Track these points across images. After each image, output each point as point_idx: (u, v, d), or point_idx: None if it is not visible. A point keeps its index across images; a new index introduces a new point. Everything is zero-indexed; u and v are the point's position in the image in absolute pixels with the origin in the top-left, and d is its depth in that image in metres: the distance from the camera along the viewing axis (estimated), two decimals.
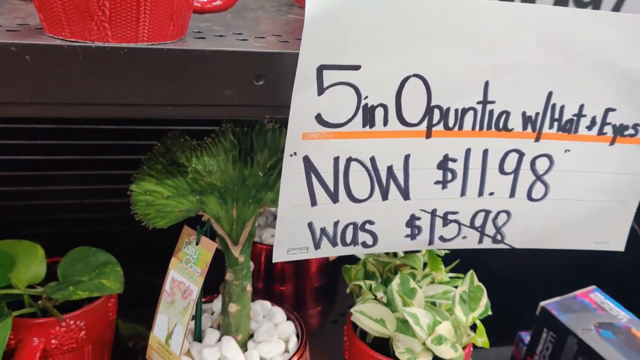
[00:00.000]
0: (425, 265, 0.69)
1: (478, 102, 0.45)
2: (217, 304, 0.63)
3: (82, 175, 0.88)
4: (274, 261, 0.46)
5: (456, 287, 0.62)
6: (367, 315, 0.60)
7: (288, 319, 0.62)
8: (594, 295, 0.92)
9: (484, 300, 0.60)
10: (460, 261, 0.69)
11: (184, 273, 0.54)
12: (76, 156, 0.86)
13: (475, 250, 0.66)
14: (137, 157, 0.76)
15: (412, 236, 0.49)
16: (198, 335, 0.59)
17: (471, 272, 0.61)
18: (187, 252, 0.54)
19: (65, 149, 0.85)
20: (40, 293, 0.64)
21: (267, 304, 0.64)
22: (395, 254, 0.70)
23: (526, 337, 0.94)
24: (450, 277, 0.67)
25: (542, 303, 0.89)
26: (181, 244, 0.55)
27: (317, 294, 0.82)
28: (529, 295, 0.89)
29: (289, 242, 0.46)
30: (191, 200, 0.54)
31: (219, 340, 0.58)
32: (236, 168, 0.52)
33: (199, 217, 0.56)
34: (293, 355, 0.56)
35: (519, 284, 1.01)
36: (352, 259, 0.70)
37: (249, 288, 0.57)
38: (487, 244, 0.51)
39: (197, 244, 0.54)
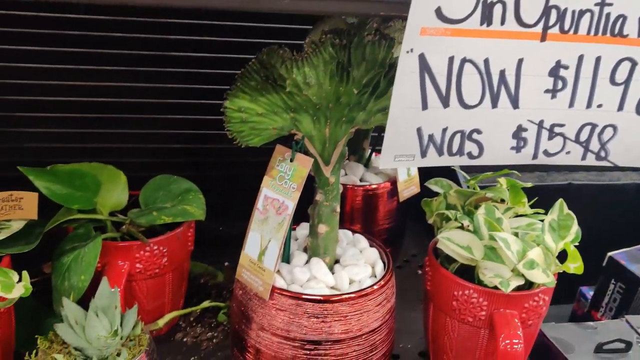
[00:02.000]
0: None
1: (595, 4, 0.43)
2: (300, 231, 0.63)
3: (149, 118, 0.88)
4: (381, 167, 0.46)
5: (541, 221, 0.61)
6: (455, 242, 0.59)
7: (371, 246, 0.62)
8: None
9: (574, 227, 0.59)
10: None
11: (278, 190, 0.53)
12: (144, 99, 0.87)
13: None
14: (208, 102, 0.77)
15: (517, 149, 0.48)
16: (286, 258, 0.58)
17: (560, 200, 0.60)
18: (281, 169, 0.54)
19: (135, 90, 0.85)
20: (123, 220, 0.65)
21: (349, 232, 0.63)
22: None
23: (588, 292, 0.93)
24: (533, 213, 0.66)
25: (610, 253, 0.88)
26: (274, 162, 0.55)
27: (384, 236, 0.81)
28: (587, 250, 0.88)
29: (397, 148, 0.45)
30: (285, 118, 0.54)
31: (307, 262, 0.58)
32: (332, 83, 0.51)
33: (287, 138, 0.56)
34: (381, 279, 0.56)
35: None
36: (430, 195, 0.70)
37: (338, 209, 0.57)
38: (591, 160, 0.50)
39: (291, 160, 0.53)
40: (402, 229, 0.86)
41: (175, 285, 0.68)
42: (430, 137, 0.46)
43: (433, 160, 0.47)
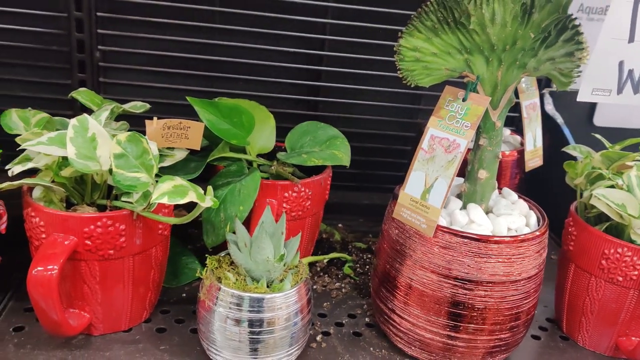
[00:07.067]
0: None
1: None
2: None
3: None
4: (578, 99, 0.46)
5: None
6: (609, 198, 0.59)
7: (520, 199, 0.62)
8: None
9: None
10: None
11: (448, 129, 0.54)
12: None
13: None
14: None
15: None
16: None
17: None
18: (452, 109, 0.55)
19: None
20: (269, 164, 0.66)
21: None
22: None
23: None
24: None
25: None
26: (443, 103, 0.55)
27: None
28: None
29: (596, 81, 0.46)
30: (458, 59, 0.55)
31: (462, 208, 0.59)
32: (514, 24, 0.52)
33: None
34: (541, 227, 0.56)
35: None
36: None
37: (500, 156, 0.57)
38: None
39: (463, 100, 0.54)
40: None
41: (311, 232, 0.69)
42: (630, 72, 0.46)
43: (627, 97, 0.47)
